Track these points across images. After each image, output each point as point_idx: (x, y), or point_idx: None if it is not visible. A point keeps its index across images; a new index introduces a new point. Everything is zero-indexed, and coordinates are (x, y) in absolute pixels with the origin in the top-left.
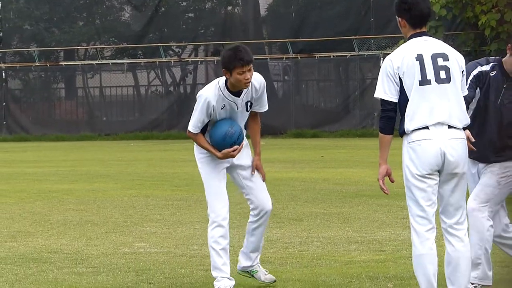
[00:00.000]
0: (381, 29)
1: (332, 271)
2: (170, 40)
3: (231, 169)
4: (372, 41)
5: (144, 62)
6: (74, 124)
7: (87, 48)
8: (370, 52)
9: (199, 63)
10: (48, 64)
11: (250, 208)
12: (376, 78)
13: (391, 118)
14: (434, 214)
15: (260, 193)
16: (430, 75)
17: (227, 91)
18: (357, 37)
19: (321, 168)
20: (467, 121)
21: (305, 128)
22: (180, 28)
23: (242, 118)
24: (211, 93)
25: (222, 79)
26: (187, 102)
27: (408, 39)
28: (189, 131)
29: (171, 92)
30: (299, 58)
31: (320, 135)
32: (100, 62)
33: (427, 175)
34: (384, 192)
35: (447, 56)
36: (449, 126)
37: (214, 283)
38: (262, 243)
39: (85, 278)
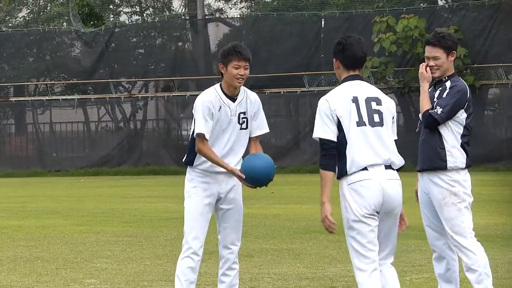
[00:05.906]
0: (331, 65)
1: None
2: (120, 76)
3: (216, 203)
4: (323, 77)
5: (94, 98)
6: (24, 160)
7: (37, 84)
8: (321, 88)
9: (149, 99)
10: None
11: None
12: None
13: (333, 156)
14: (377, 253)
15: (229, 233)
16: (365, 117)
17: (222, 93)
18: (308, 73)
19: (272, 204)
20: (402, 162)
21: None
22: (131, 64)
23: (235, 134)
24: (206, 94)
25: (218, 84)
26: (137, 138)
27: (342, 82)
28: (198, 143)
29: (121, 128)
30: None
31: None
32: (50, 98)
33: (369, 216)
34: (332, 230)
35: (380, 100)
36: (386, 167)
37: None
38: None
39: None
